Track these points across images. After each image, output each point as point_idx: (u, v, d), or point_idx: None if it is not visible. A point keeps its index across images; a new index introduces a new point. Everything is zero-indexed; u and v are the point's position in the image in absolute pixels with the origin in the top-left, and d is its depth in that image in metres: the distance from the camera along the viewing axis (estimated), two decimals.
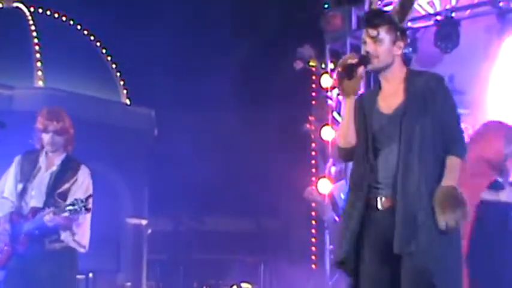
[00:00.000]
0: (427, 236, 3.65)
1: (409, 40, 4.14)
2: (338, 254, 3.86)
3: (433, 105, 3.80)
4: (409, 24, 8.13)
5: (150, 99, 9.61)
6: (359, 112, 3.94)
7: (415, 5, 7.82)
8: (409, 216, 3.68)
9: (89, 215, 5.02)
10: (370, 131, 3.87)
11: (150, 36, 9.06)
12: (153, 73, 9.08)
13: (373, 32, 3.87)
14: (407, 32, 4.04)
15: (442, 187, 3.69)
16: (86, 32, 17.43)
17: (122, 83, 16.93)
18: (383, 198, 3.80)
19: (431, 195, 3.69)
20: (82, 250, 5.09)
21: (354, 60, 3.81)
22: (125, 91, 16.49)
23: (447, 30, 8.47)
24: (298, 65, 9.11)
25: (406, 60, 4.05)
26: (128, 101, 16.85)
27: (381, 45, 3.87)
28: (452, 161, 3.78)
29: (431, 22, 8.72)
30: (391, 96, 3.90)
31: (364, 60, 3.85)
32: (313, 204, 9.38)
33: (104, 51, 16.34)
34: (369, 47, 3.88)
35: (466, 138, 3.85)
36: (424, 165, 3.73)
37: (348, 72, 3.79)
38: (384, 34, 3.87)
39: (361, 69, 3.81)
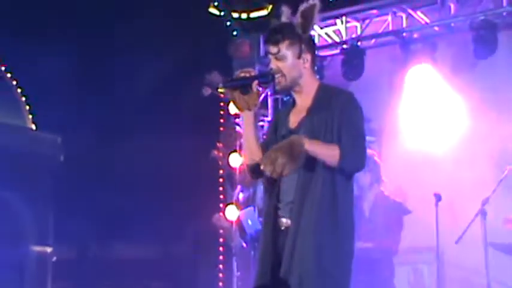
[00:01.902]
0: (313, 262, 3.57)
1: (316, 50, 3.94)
2: (255, 278, 3.78)
3: (335, 118, 3.67)
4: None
5: (56, 125, 9.32)
6: (271, 128, 3.92)
7: (323, 34, 8.64)
8: (300, 240, 3.60)
9: None
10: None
11: (58, 61, 8.82)
12: (59, 98, 8.82)
13: (273, 49, 3.77)
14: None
15: (292, 136, 3.58)
16: None
17: (27, 108, 16.66)
18: (283, 220, 3.75)
19: (326, 218, 3.61)
20: None
21: (248, 74, 3.70)
22: (30, 116, 16.22)
23: (353, 58, 8.56)
24: (207, 91, 8.99)
25: (317, 71, 4.02)
26: (33, 126, 16.59)
27: (284, 61, 3.77)
28: (333, 146, 3.62)
29: (337, 51, 8.84)
30: (301, 110, 3.83)
31: (266, 77, 3.77)
32: (221, 231, 9.32)
33: (9, 75, 15.99)
34: (272, 64, 3.80)
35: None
36: (321, 186, 3.64)
37: (241, 86, 3.67)
38: (285, 50, 3.76)
39: (256, 84, 3.69)
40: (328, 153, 3.60)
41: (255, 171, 3.84)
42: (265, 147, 3.79)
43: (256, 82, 3.68)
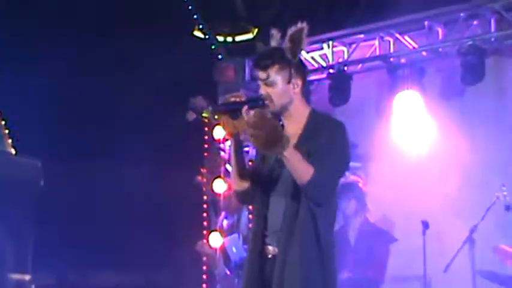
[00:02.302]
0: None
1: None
2: None
3: (318, 146, 3.65)
4: None
5: (37, 149, 9.40)
6: (259, 154, 3.89)
7: (309, 58, 8.59)
8: (288, 271, 3.62)
9: None
10: (263, 174, 3.80)
11: (38, 83, 8.81)
12: (40, 122, 8.90)
13: (263, 75, 3.75)
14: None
15: (284, 134, 3.51)
16: None
17: (7, 131, 16.53)
18: (270, 248, 3.76)
19: (312, 250, 3.63)
20: None
21: (238, 99, 3.70)
22: (9, 140, 16.09)
23: (339, 83, 8.60)
24: (191, 116, 8.92)
25: (307, 96, 3.93)
26: (13, 151, 16.46)
27: (274, 87, 3.75)
28: (310, 168, 3.55)
29: (324, 75, 8.85)
30: (291, 137, 3.71)
31: (256, 102, 3.71)
32: (205, 258, 9.24)
33: None
34: (262, 90, 3.77)
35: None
36: (305, 217, 3.64)
37: (231, 111, 3.68)
38: (274, 75, 3.74)
39: (246, 109, 3.65)
40: (301, 170, 3.57)
41: (242, 197, 3.88)
42: (253, 173, 3.81)
43: (246, 107, 3.65)
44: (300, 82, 3.78)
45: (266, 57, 3.76)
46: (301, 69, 3.84)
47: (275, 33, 3.87)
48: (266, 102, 3.72)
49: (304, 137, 3.75)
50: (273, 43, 3.83)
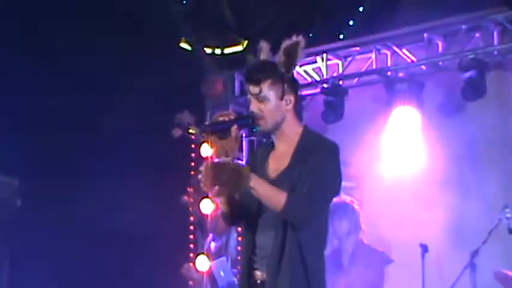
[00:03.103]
0: None
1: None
2: None
3: (309, 169, 3.67)
4: None
5: (13, 168, 9.30)
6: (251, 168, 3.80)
7: (302, 72, 8.54)
8: None
9: None
10: (253, 199, 3.75)
11: (13, 99, 8.75)
12: (16, 140, 8.77)
13: (254, 89, 3.75)
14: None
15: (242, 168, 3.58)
16: None
17: None
18: (258, 273, 3.79)
19: (301, 278, 3.65)
20: None
21: (227, 118, 3.73)
22: None
23: (334, 99, 8.54)
24: (177, 132, 8.79)
25: (299, 113, 3.95)
26: None
27: (266, 103, 3.75)
28: (281, 194, 3.62)
29: (317, 90, 8.78)
30: (282, 157, 3.81)
31: (246, 120, 3.75)
32: (191, 282, 9.08)
33: None
34: (253, 106, 3.78)
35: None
36: (292, 244, 3.67)
37: (219, 131, 3.69)
38: (267, 90, 3.74)
39: (235, 129, 3.69)
40: (272, 198, 3.61)
41: (230, 219, 3.90)
42: (241, 196, 3.81)
43: (235, 126, 3.68)
44: (293, 98, 3.79)
45: (258, 71, 3.77)
46: (294, 85, 3.85)
47: (264, 46, 3.91)
48: (257, 119, 3.73)
49: (296, 158, 3.75)
50: (263, 56, 3.86)
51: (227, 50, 9.55)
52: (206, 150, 8.94)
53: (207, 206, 9.03)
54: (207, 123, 3.83)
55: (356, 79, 8.80)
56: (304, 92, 8.80)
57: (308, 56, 8.59)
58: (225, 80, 9.39)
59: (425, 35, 8.19)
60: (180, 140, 8.88)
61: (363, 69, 8.68)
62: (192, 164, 9.19)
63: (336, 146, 3.77)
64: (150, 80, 9.00)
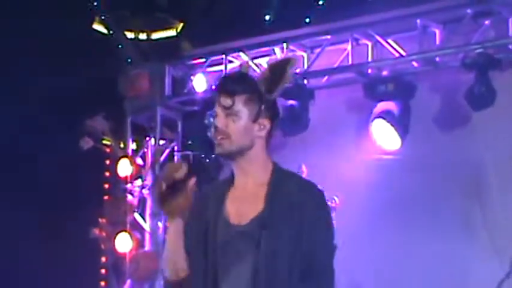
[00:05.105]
0: None
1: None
2: None
3: (304, 237, 3.66)
4: None
5: None
6: (197, 215, 3.81)
7: (254, 67, 7.95)
8: None
9: None
10: (211, 248, 3.74)
11: None
12: None
13: (226, 101, 3.73)
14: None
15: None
16: None
17: None
18: None
19: None
20: None
21: (182, 174, 3.68)
22: None
23: (296, 103, 8.13)
24: (87, 143, 8.61)
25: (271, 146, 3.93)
26: None
27: (236, 120, 3.74)
28: None
29: None
30: (247, 198, 3.77)
31: (207, 172, 3.93)
32: None
33: None
34: (219, 121, 3.75)
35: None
36: None
37: (174, 190, 3.67)
38: (241, 106, 3.72)
39: (192, 182, 3.69)
40: None
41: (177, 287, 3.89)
42: (188, 252, 3.79)
43: (193, 181, 3.70)
44: (268, 125, 3.77)
45: (235, 82, 3.79)
46: (274, 110, 3.83)
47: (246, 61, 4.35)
48: (219, 138, 3.74)
49: (274, 204, 3.74)
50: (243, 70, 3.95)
51: (155, 35, 9.22)
52: (125, 168, 8.80)
53: (124, 243, 8.79)
54: (161, 187, 3.67)
55: (326, 77, 8.54)
56: None
57: (263, 45, 8.56)
58: (151, 76, 9.04)
59: (418, 21, 7.93)
60: (91, 154, 8.81)
61: (335, 65, 8.42)
62: (106, 186, 9.06)
63: (323, 194, 3.81)
64: (52, 74, 8.67)
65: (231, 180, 3.84)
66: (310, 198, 3.76)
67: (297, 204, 3.70)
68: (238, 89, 3.73)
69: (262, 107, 3.73)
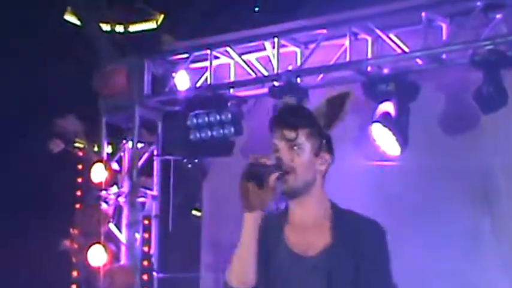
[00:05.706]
0: None
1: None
2: None
3: (362, 265, 3.77)
4: (231, 91, 8.41)
5: None
6: (261, 242, 3.83)
7: (242, 63, 8.31)
8: None
9: None
10: (275, 276, 3.83)
11: None
12: None
13: (291, 134, 3.79)
14: None
15: None
16: None
17: None
18: None
19: None
20: None
21: (270, 162, 3.76)
22: None
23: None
24: (57, 146, 8.47)
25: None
26: None
27: (300, 153, 3.80)
28: None
29: (265, 90, 8.46)
30: (309, 230, 3.86)
31: (280, 167, 3.79)
32: None
33: None
34: (283, 154, 3.78)
35: None
36: None
37: (259, 177, 3.71)
38: (304, 139, 3.81)
39: (274, 177, 3.73)
40: None
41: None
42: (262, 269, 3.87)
43: (276, 175, 3.73)
44: (329, 159, 3.89)
45: (295, 115, 3.90)
46: (331, 145, 3.95)
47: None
48: (286, 173, 3.78)
49: (340, 238, 3.83)
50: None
51: (133, 28, 9.13)
52: (99, 174, 8.68)
53: (97, 256, 8.67)
54: (250, 163, 3.76)
55: (321, 75, 8.48)
56: (246, 93, 8.69)
57: (252, 40, 8.55)
58: (129, 72, 8.92)
59: (423, 14, 7.83)
60: (61, 158, 8.76)
61: (332, 62, 8.36)
62: (78, 193, 8.94)
63: (380, 227, 3.89)
64: (21, 69, 8.73)
65: (286, 213, 3.90)
66: (367, 230, 3.83)
67: (358, 245, 3.76)
68: (300, 122, 3.80)
69: (324, 141, 3.82)
